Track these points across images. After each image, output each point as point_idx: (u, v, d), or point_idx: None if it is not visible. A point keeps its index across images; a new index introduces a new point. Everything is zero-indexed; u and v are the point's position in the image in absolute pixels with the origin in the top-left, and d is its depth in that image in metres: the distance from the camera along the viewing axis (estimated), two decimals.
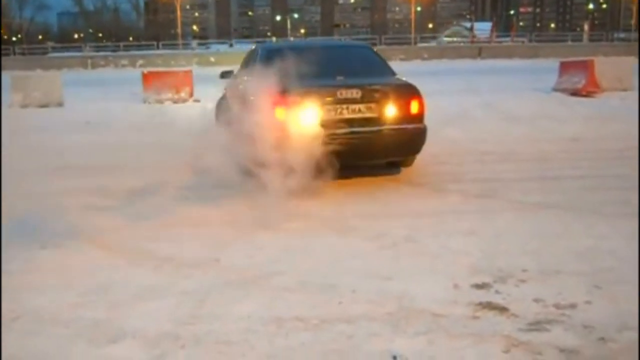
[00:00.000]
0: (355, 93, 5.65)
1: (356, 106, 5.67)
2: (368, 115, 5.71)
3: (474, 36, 54.43)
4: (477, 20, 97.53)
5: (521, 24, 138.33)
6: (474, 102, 12.16)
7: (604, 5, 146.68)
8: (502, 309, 3.21)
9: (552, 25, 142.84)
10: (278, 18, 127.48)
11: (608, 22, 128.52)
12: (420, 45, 43.58)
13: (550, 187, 5.81)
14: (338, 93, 5.64)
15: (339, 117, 5.65)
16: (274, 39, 69.69)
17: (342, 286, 3.56)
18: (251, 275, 3.75)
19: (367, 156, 5.98)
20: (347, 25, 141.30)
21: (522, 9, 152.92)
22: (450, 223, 4.70)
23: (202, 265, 3.95)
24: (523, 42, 49.29)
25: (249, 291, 3.52)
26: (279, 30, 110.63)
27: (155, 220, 4.89)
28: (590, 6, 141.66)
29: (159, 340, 2.96)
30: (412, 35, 50.72)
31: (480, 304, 3.28)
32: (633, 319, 3.05)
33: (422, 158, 6.36)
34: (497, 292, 3.43)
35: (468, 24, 76.83)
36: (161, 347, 2.89)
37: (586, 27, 50.85)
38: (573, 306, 3.22)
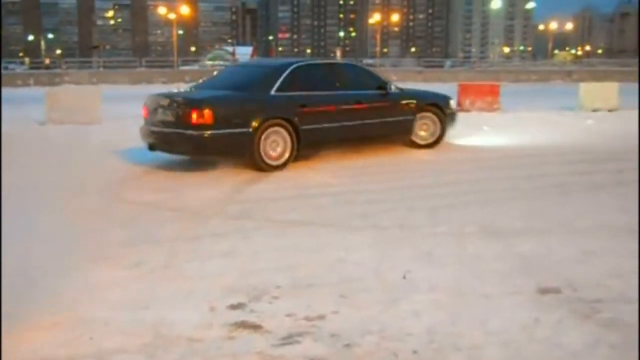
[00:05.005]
0: None
1: None
2: None
3: (235, 60, 55.75)
4: (238, 44, 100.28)
5: (280, 48, 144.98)
6: None
7: (353, 34, 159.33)
8: (257, 327, 3.29)
9: (309, 50, 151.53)
10: (31, 38, 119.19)
11: (357, 49, 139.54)
12: (182, 68, 43.51)
13: (305, 205, 6.12)
14: None
15: None
16: (46, 60, 62.98)
17: (95, 320, 3.40)
18: None
19: None
20: (108, 47, 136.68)
21: (280, 35, 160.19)
22: (208, 246, 4.72)
23: None
24: None
25: None
26: (33, 51, 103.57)
27: None
28: (341, 34, 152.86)
29: None
30: (175, 58, 50.45)
31: (235, 324, 3.33)
32: (374, 323, 3.32)
33: (182, 181, 6.28)
34: (251, 310, 3.51)
35: (230, 48, 78.59)
36: None
37: (338, 53, 54.79)
38: (322, 317, 3.40)
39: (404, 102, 9.35)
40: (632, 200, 6.20)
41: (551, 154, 9.45)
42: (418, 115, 9.43)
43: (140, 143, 8.24)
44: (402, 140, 9.51)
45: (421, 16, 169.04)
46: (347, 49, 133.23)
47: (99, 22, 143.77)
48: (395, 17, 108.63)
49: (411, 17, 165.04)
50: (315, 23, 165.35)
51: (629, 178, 7.30)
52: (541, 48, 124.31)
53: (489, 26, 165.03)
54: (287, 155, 7.87)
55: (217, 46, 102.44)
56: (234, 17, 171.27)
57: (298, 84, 8.21)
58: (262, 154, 7.64)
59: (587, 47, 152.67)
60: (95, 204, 5.81)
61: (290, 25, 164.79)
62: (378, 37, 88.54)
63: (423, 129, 9.59)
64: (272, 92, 7.92)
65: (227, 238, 4.93)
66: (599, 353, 3.03)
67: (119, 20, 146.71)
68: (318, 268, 4.23)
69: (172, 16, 65.35)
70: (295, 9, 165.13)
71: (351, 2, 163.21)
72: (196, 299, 3.70)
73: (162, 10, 73.18)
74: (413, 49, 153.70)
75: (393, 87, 9.30)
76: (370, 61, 64.88)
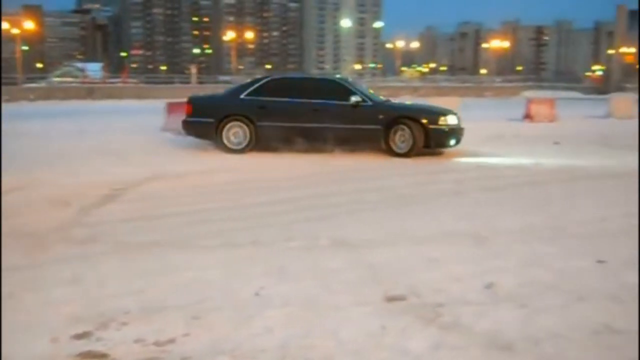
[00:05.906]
0: None
1: None
2: None
3: (85, 77, 53.59)
4: (88, 60, 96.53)
5: (134, 65, 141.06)
6: (88, 144, 11.74)
7: (209, 50, 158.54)
8: (103, 356, 3.15)
9: (164, 67, 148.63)
10: None
11: (213, 66, 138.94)
12: (27, 85, 41.11)
13: (155, 225, 5.96)
14: None
15: None
16: None
17: None
18: None
19: None
20: None
21: (133, 51, 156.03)
22: (52, 273, 4.45)
23: None
24: (136, 83, 50.23)
25: None
26: None
27: None
28: (197, 50, 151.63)
29: None
30: (18, 75, 47.51)
31: (80, 354, 3.17)
32: (227, 342, 3.29)
33: (24, 202, 5.89)
34: (98, 339, 3.35)
35: (80, 64, 75.34)
36: None
37: (193, 70, 53.88)
38: (172, 341, 3.32)
39: (373, 113, 10.64)
40: (470, 208, 6.65)
41: (396, 166, 9.87)
42: (399, 127, 10.49)
43: None
44: (374, 147, 10.73)
45: (275, 33, 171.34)
46: (203, 65, 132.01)
47: None
48: (249, 35, 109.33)
49: (265, 34, 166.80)
50: (169, 40, 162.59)
51: (466, 188, 7.83)
52: (390, 65, 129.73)
53: (341, 44, 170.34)
54: (245, 143, 10.79)
55: (65, 62, 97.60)
56: (83, 33, 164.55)
57: (267, 91, 11.03)
58: (224, 139, 10.84)
59: (432, 65, 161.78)
60: None
61: (144, 41, 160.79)
62: (233, 54, 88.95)
63: (401, 140, 10.55)
64: (242, 96, 11.10)
65: (72, 264, 4.68)
66: (441, 355, 3.20)
67: None
68: (169, 290, 4.13)
69: (15, 31, 61.40)
70: (148, 25, 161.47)
71: (205, 20, 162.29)
72: (37, 330, 3.47)
73: (3, 25, 68.94)
74: (269, 66, 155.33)
75: (355, 99, 10.69)
76: (227, 78, 64.36)
